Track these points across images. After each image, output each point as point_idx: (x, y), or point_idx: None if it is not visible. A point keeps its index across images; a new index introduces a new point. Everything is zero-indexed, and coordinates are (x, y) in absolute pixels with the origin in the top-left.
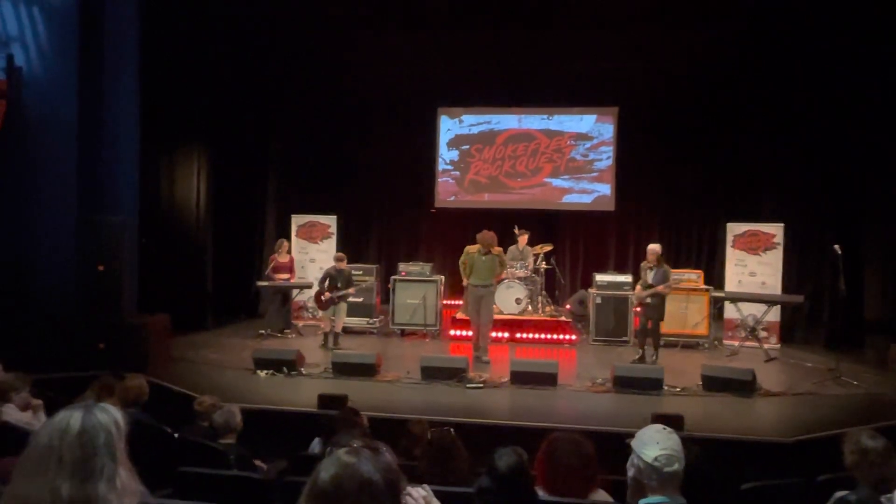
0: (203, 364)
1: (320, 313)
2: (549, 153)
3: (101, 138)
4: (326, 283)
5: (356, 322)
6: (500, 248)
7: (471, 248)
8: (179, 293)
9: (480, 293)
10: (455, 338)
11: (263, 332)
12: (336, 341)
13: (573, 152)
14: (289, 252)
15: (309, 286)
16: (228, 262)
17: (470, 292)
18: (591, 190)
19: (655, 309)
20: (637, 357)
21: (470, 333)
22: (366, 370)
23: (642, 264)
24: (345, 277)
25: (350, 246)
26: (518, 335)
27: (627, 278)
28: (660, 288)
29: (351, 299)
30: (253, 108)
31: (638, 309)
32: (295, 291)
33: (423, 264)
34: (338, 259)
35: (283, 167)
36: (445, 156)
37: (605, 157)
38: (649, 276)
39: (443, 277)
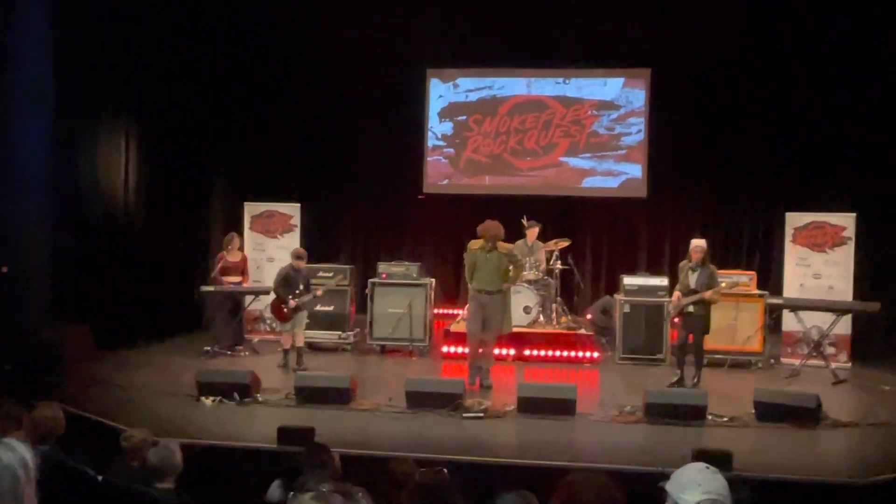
0: (133, 389)
1: (280, 326)
2: (565, 126)
3: (4, 107)
4: (282, 287)
5: (325, 337)
6: (510, 245)
7: (473, 245)
8: (104, 300)
9: (485, 301)
10: (449, 356)
11: (209, 348)
12: (300, 360)
13: (595, 124)
14: (241, 249)
15: (266, 292)
16: (165, 261)
17: (472, 299)
18: (617, 171)
19: (699, 320)
20: (675, 379)
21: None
22: (337, 396)
23: (682, 264)
24: (304, 278)
25: (318, 241)
26: (527, 352)
27: (663, 282)
28: (706, 294)
29: (319, 307)
30: (196, 71)
31: (676, 320)
32: (248, 298)
33: (409, 264)
34: (296, 256)
35: (233, 144)
36: (436, 129)
37: (635, 131)
38: (691, 279)
39: (433, 280)
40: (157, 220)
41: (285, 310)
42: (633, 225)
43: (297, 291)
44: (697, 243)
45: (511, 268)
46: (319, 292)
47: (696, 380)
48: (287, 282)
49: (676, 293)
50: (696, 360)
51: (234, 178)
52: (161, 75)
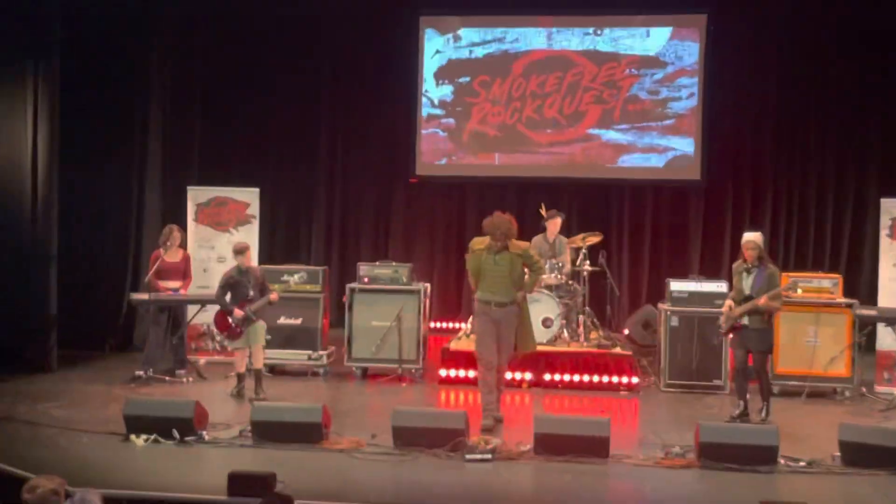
0: (44, 425)
1: (231, 344)
2: (597, 88)
3: None
4: (229, 295)
5: (291, 357)
6: (524, 243)
7: (476, 244)
8: (4, 312)
9: (497, 316)
10: (448, 381)
11: (141, 373)
12: (258, 387)
13: (635, 87)
14: (182, 246)
15: (214, 300)
16: (86, 261)
17: (480, 314)
18: (663, 147)
19: (757, 335)
20: (737, 412)
21: (473, 374)
22: (306, 433)
23: (735, 265)
24: (256, 281)
25: (282, 237)
26: (547, 377)
27: (721, 287)
28: (760, 301)
29: (284, 320)
30: (126, 19)
31: (730, 336)
32: (192, 309)
33: (398, 266)
34: (238, 251)
35: (175, 113)
36: (433, 94)
37: (686, 95)
38: (745, 284)
39: (428, 286)
40: (76, 209)
41: (231, 323)
42: (683, 215)
43: (249, 298)
44: (750, 238)
45: (527, 272)
46: (274, 296)
47: (763, 413)
48: (232, 287)
49: (728, 301)
50: (761, 387)
51: (174, 156)
52: (79, 21)
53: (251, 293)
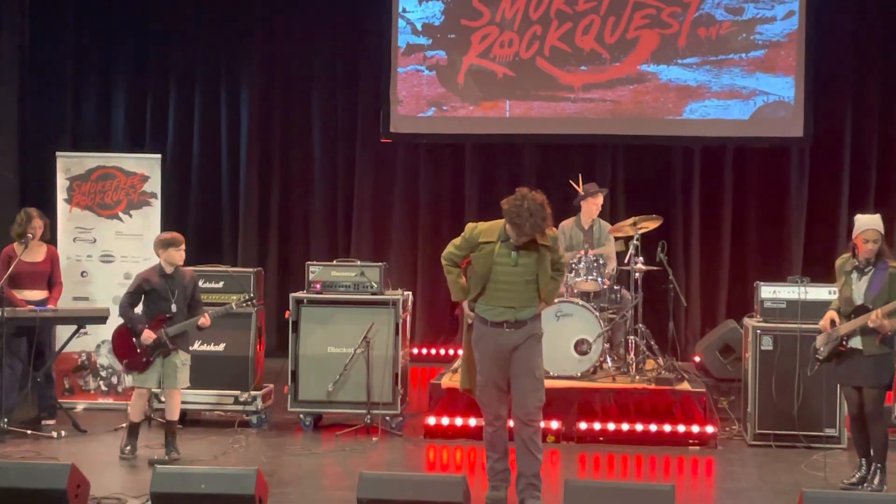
0: None
1: (129, 379)
2: (653, 4)
3: None
4: (141, 307)
5: (211, 400)
6: (551, 229)
7: (482, 233)
8: None
9: (511, 340)
10: (439, 431)
11: None
12: (170, 444)
13: (707, 4)
14: (48, 240)
15: (100, 318)
16: None
17: (480, 336)
18: (749, 90)
19: (872, 364)
20: (856, 475)
21: (476, 423)
22: None
23: (840, 262)
24: (183, 289)
25: (195, 225)
26: (582, 425)
27: (835, 293)
28: (875, 315)
29: (201, 347)
30: None
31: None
32: (63, 332)
33: (365, 265)
34: (166, 243)
35: (35, 46)
36: (414, 14)
37: (782, 15)
38: (856, 288)
39: (408, 295)
40: None
41: (137, 347)
42: (778, 189)
43: (169, 315)
44: (869, 224)
45: (555, 276)
46: (205, 321)
47: (875, 478)
48: (147, 295)
49: (830, 314)
50: (875, 438)
51: (36, 110)
52: None
53: (174, 308)
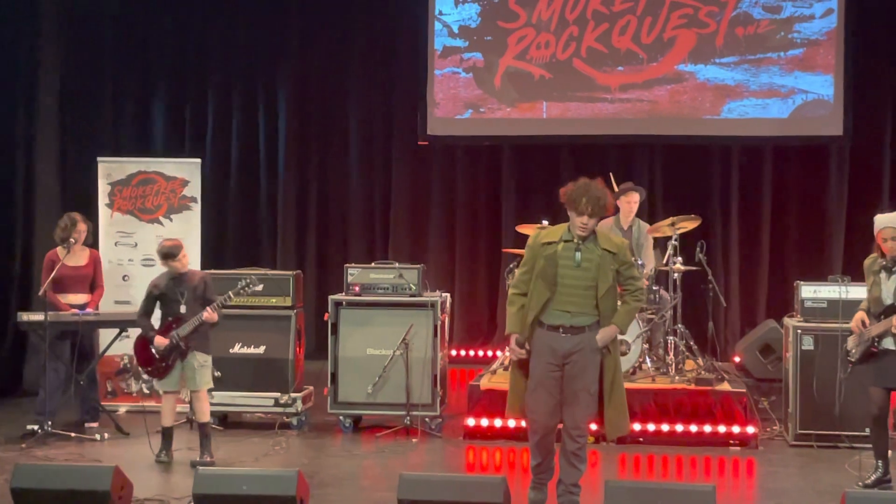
0: None
1: (157, 384)
2: (690, 4)
3: None
4: (152, 314)
5: (251, 402)
6: (621, 239)
7: (546, 236)
8: None
9: (567, 346)
10: (479, 433)
11: (35, 428)
12: (204, 448)
13: (743, 3)
14: (91, 245)
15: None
16: None
17: (538, 336)
18: (787, 89)
19: None
20: (872, 476)
21: (515, 424)
22: None
23: (868, 261)
24: (192, 290)
25: (235, 229)
26: None
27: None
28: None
29: (240, 348)
30: None
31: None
32: (106, 335)
33: (403, 267)
34: (164, 255)
35: (74, 54)
36: (450, 17)
37: (824, 12)
38: (886, 288)
39: (447, 297)
40: None
41: (155, 354)
42: (818, 188)
43: (181, 315)
44: (884, 220)
45: (623, 283)
46: (209, 315)
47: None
48: (159, 301)
49: (860, 314)
50: None
51: (77, 116)
52: None
53: (183, 310)
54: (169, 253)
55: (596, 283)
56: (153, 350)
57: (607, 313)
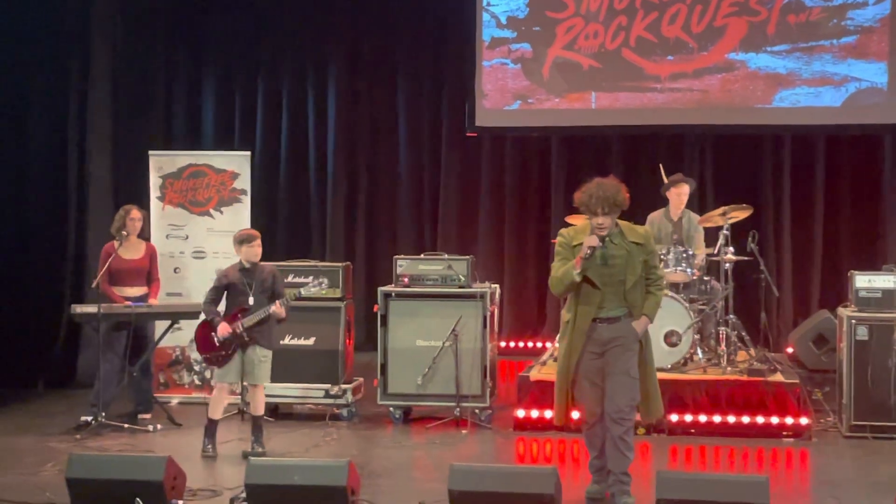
0: None
1: (215, 376)
2: None
3: None
4: (219, 303)
5: (301, 393)
6: (645, 228)
7: (575, 234)
8: None
9: (604, 336)
10: (529, 424)
11: (90, 419)
12: (256, 439)
13: None
14: (144, 237)
15: (194, 312)
16: (2, 260)
17: (575, 333)
18: (840, 78)
19: None
20: None
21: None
22: (324, 502)
23: None
24: (261, 283)
25: (284, 221)
26: (674, 417)
27: None
28: None
29: (290, 339)
30: None
31: None
32: (160, 327)
33: (452, 259)
34: (242, 241)
35: (127, 50)
36: (499, 8)
37: (874, 2)
38: None
39: (496, 288)
40: None
41: (216, 342)
42: (872, 176)
43: (247, 306)
44: None
45: (647, 272)
46: (277, 308)
47: None
48: (227, 290)
49: None
50: None
51: (129, 109)
52: None
53: (251, 301)
54: (246, 238)
55: (624, 277)
56: (214, 337)
57: (636, 304)
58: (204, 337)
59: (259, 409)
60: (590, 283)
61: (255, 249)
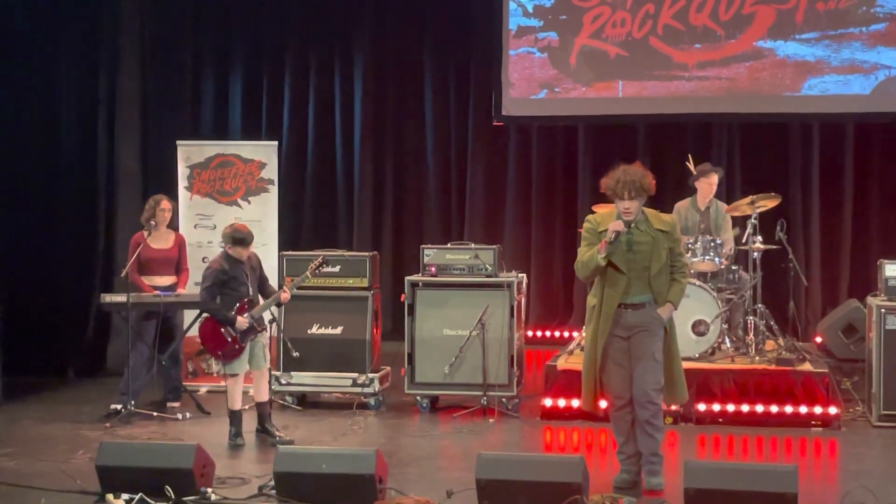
0: None
1: (226, 367)
2: None
3: None
4: (218, 297)
5: (329, 382)
6: (670, 216)
7: (601, 220)
8: None
9: (630, 321)
10: (556, 413)
11: (119, 407)
12: (267, 425)
13: None
14: (173, 227)
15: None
16: (31, 251)
17: (603, 319)
18: (870, 65)
19: None
20: None
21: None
22: (353, 490)
23: None
24: (253, 272)
25: (311, 210)
26: (701, 406)
27: None
28: None
29: (317, 329)
30: None
31: None
32: (188, 316)
33: (479, 248)
34: (236, 240)
35: (155, 38)
36: None
37: None
38: None
39: (523, 277)
40: (16, 179)
41: (227, 337)
42: None
43: (249, 297)
44: None
45: (672, 260)
46: (286, 296)
47: None
48: (227, 285)
49: None
50: None
51: (158, 98)
52: None
53: (250, 291)
54: (244, 240)
55: (649, 264)
56: (224, 333)
57: (661, 291)
58: (213, 333)
59: (266, 395)
60: (615, 269)
61: (249, 251)
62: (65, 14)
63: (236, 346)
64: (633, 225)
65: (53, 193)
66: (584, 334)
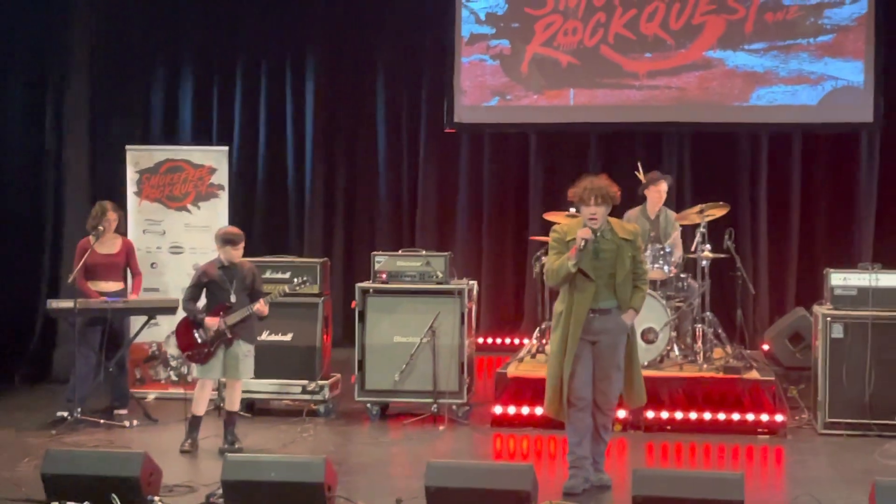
0: None
1: (194, 371)
2: None
3: None
4: (202, 301)
5: (278, 389)
6: (634, 226)
7: (568, 228)
8: None
9: (596, 327)
10: (506, 421)
11: (65, 414)
12: (229, 434)
13: None
14: (121, 232)
15: (171, 307)
16: None
17: (573, 321)
18: (817, 76)
19: None
20: None
21: (543, 411)
22: (301, 498)
23: None
24: (241, 280)
25: (261, 217)
26: (650, 414)
27: None
28: None
29: (268, 335)
30: None
31: None
32: (135, 322)
33: (430, 255)
34: (225, 240)
35: (103, 38)
36: (476, 5)
37: (851, 1)
38: None
39: (473, 285)
40: None
41: (198, 338)
42: (847, 175)
43: (229, 304)
44: None
45: (635, 268)
46: (260, 307)
47: None
48: (207, 287)
49: None
50: None
51: (106, 102)
52: None
53: (232, 299)
54: (232, 239)
55: (614, 271)
56: (196, 335)
57: (625, 297)
58: (186, 334)
59: (236, 405)
60: (584, 276)
61: (239, 252)
62: (13, 20)
63: (205, 350)
64: (598, 233)
65: (0, 199)
66: (534, 342)
